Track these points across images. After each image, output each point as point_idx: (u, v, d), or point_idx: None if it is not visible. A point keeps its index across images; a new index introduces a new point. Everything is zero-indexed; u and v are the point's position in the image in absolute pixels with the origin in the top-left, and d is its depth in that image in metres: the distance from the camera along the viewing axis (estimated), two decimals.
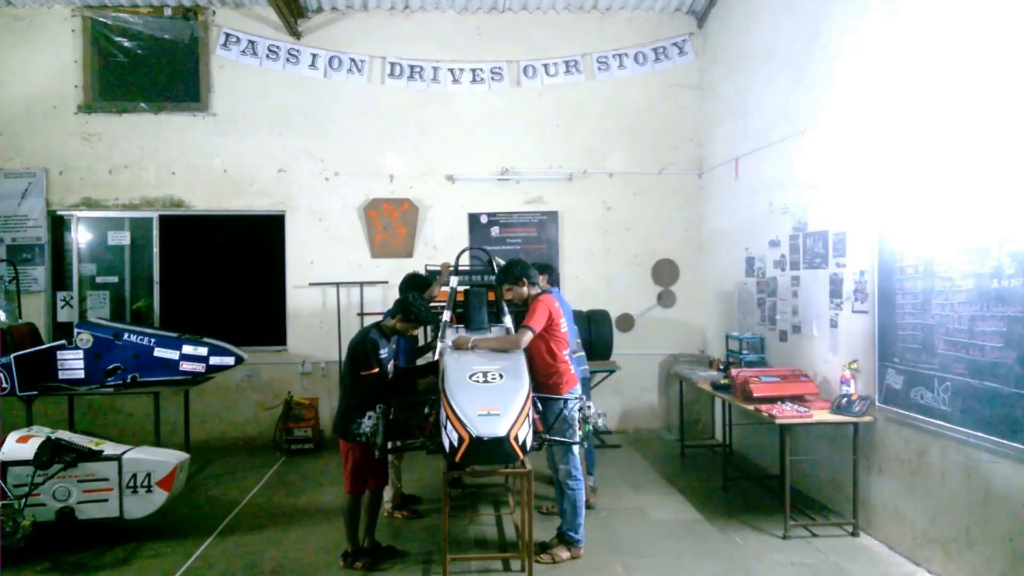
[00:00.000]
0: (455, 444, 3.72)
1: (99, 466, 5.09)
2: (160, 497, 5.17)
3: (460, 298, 5.81)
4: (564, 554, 4.83)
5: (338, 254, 8.57)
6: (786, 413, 5.21)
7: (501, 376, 4.14)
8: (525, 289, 5.06)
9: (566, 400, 4.81)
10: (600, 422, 4.58)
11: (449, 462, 4.13)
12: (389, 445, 4.88)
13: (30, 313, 8.01)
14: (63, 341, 6.73)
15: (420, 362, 5.84)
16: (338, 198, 8.59)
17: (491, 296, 5.84)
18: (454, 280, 5.86)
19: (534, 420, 4.33)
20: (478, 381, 4.09)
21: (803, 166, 6.23)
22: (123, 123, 8.42)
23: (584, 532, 4.93)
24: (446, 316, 5.64)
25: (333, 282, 8.46)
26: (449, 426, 3.81)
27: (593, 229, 8.83)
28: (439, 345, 5.14)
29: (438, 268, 6.75)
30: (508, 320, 5.49)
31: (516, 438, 3.72)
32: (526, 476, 4.34)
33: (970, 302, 4.21)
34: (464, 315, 5.65)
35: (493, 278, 5.83)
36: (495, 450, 3.69)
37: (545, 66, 8.71)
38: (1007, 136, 3.96)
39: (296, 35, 8.47)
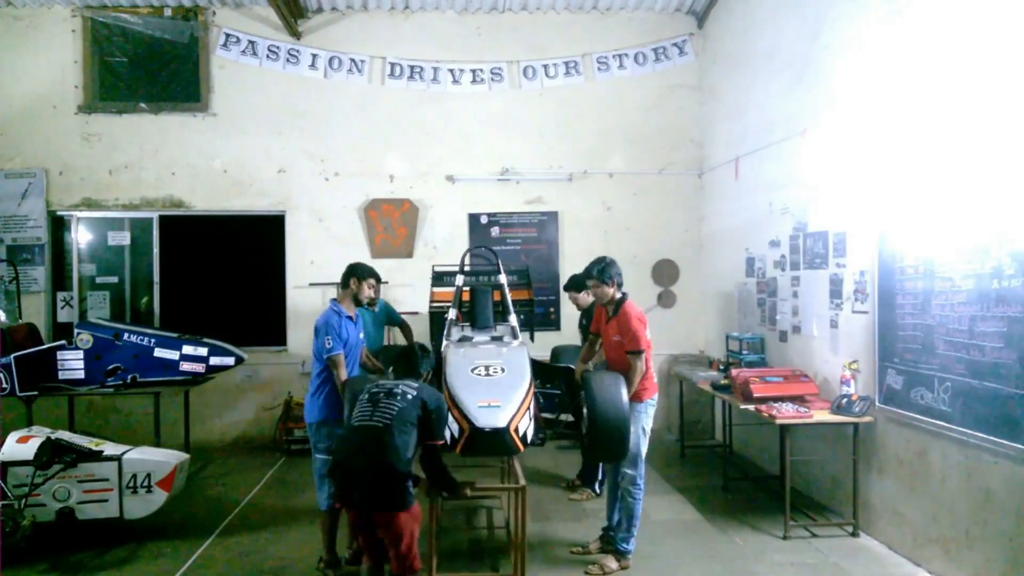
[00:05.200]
0: (456, 435, 3.73)
1: (99, 466, 5.08)
2: (160, 497, 5.17)
3: (466, 297, 5.82)
4: (612, 565, 4.69)
5: (338, 254, 8.54)
6: (786, 413, 5.21)
7: (503, 370, 4.14)
8: (611, 291, 4.70)
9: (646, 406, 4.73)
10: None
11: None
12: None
13: (30, 313, 8.01)
14: (63, 341, 6.73)
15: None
16: (338, 198, 8.59)
17: (496, 296, 5.86)
18: (460, 279, 5.83)
19: (536, 415, 4.32)
20: (480, 374, 4.09)
21: (803, 166, 6.24)
22: (123, 123, 8.42)
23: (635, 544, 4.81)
24: (451, 314, 5.66)
25: (333, 282, 8.45)
26: (450, 417, 3.81)
27: (593, 229, 8.82)
28: (444, 342, 5.17)
29: (447, 269, 6.77)
30: (513, 319, 5.52)
31: (517, 430, 3.71)
32: (520, 491, 4.20)
33: (970, 302, 4.21)
34: (470, 313, 5.68)
35: (501, 277, 5.83)
36: (496, 441, 3.68)
37: (545, 67, 8.71)
38: (1007, 136, 3.96)
39: (296, 35, 8.47)
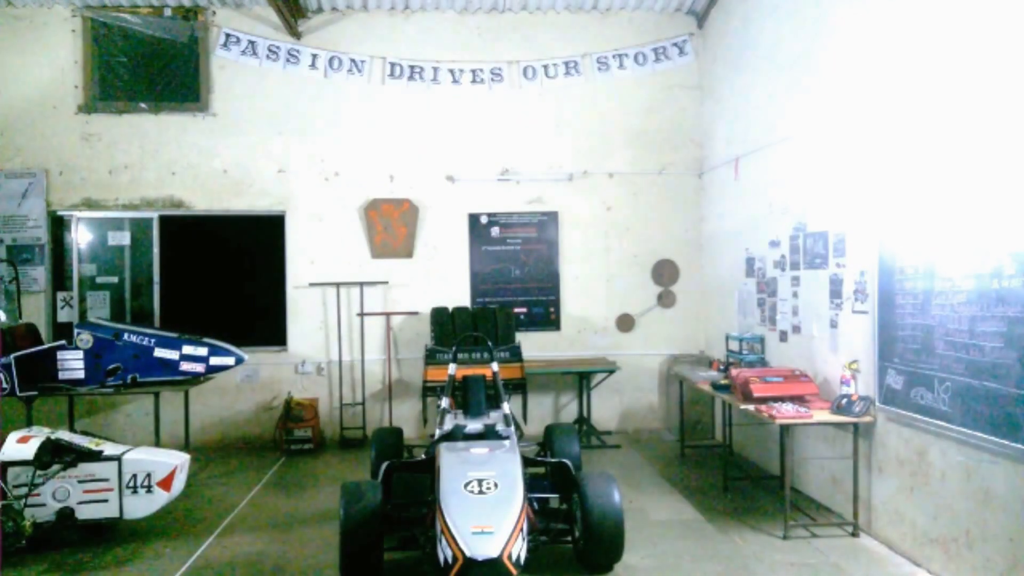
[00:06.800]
0: (449, 562, 3.79)
1: (99, 466, 5.09)
2: (160, 497, 5.17)
3: (459, 378, 6.07)
4: None
5: (338, 254, 8.57)
6: (786, 413, 5.21)
7: (496, 485, 4.21)
8: None
9: None
10: None
11: None
12: None
13: (30, 313, 8.02)
14: (63, 341, 6.74)
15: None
16: (338, 198, 8.59)
17: (488, 376, 6.02)
18: (452, 367, 6.00)
19: (530, 518, 4.37)
20: (473, 491, 4.16)
21: (803, 167, 6.24)
22: (123, 123, 8.42)
23: None
24: (444, 402, 5.75)
25: (333, 282, 8.46)
26: (443, 541, 3.87)
27: (593, 229, 8.83)
28: (437, 432, 5.30)
29: (439, 348, 7.15)
30: (506, 406, 5.67)
31: (510, 556, 3.78)
32: None
33: (970, 302, 4.21)
34: (463, 402, 5.91)
35: (493, 365, 5.98)
36: (488, 571, 3.73)
37: (545, 67, 8.70)
38: (1007, 138, 3.96)
39: (296, 35, 8.47)
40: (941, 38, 4.52)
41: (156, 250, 8.45)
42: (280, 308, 8.56)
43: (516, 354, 7.45)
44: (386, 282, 8.55)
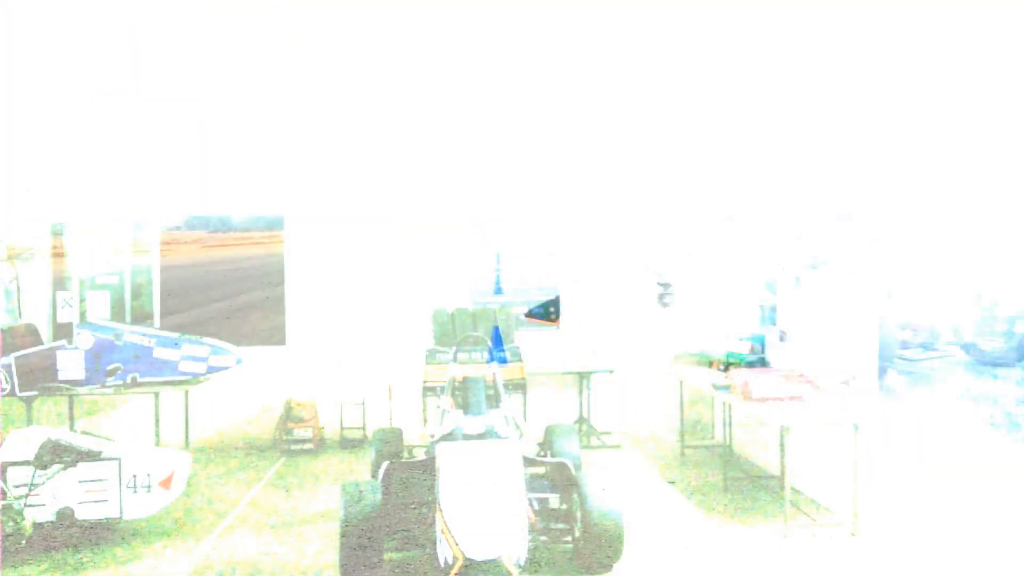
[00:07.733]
0: (449, 562, 3.83)
1: (99, 466, 5.09)
2: (160, 497, 5.18)
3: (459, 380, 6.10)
4: None
5: (338, 254, 8.56)
6: (786, 413, 5.21)
7: (496, 485, 4.24)
8: None
9: None
10: None
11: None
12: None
13: (30, 313, 8.01)
14: (63, 341, 6.74)
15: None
16: (339, 197, 8.57)
17: (488, 376, 6.06)
18: (453, 367, 6.06)
19: (530, 518, 4.38)
20: (473, 492, 4.19)
21: (805, 168, 6.24)
22: (123, 123, 8.40)
23: None
24: (444, 402, 5.78)
25: (333, 282, 8.45)
26: (443, 541, 3.90)
27: (593, 229, 8.82)
28: (436, 432, 5.31)
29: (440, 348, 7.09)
30: (505, 407, 5.74)
31: (510, 556, 3.82)
32: None
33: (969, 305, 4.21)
34: (463, 400, 5.94)
35: (493, 366, 6.10)
36: (488, 571, 3.77)
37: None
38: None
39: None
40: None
41: (156, 250, 8.44)
42: (280, 308, 8.56)
43: (516, 354, 7.46)
44: (386, 282, 8.54)
